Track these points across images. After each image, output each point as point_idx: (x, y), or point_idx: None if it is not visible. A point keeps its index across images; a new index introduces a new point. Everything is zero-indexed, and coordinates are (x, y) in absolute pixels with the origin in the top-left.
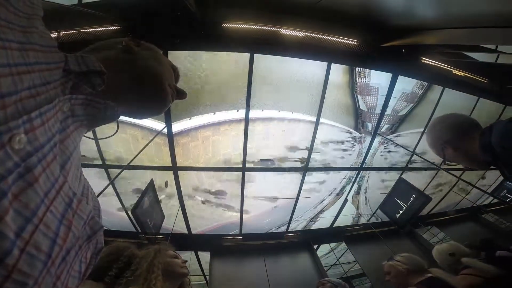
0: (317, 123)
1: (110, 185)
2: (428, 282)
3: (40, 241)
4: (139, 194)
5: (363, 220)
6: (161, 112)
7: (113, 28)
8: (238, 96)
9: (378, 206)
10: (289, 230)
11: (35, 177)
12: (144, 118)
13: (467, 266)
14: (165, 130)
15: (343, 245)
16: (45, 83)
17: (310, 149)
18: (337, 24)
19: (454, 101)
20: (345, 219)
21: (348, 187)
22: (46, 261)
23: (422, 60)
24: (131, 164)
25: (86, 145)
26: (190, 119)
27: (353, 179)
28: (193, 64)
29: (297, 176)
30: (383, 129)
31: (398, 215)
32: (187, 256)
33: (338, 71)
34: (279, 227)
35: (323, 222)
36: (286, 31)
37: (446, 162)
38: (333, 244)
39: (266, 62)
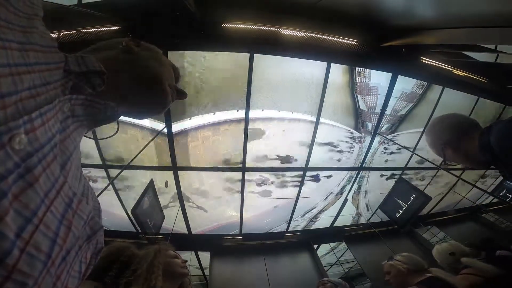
0: (317, 123)
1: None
2: (428, 281)
3: (40, 241)
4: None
5: (363, 220)
6: (161, 112)
7: (113, 28)
8: (238, 96)
9: (378, 205)
10: (289, 230)
11: (35, 177)
12: (144, 118)
13: (467, 265)
14: (165, 130)
15: (343, 244)
16: (45, 83)
17: (310, 149)
18: (337, 24)
19: (453, 101)
20: (345, 219)
21: (348, 187)
22: (46, 261)
23: (421, 60)
24: (131, 164)
25: (86, 145)
26: (190, 119)
27: (353, 178)
28: (192, 64)
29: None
30: (383, 129)
31: (398, 215)
32: (187, 256)
33: (338, 71)
34: (279, 227)
35: (323, 222)
36: (285, 31)
37: (446, 162)
38: (333, 244)
39: (266, 62)
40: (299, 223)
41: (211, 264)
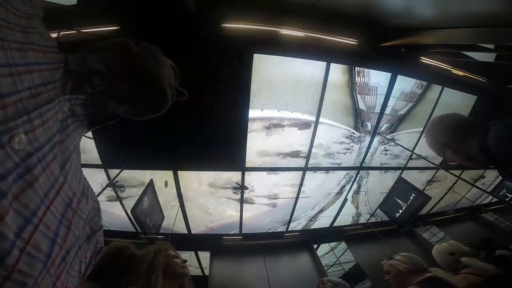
0: (316, 123)
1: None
2: (428, 281)
3: (40, 241)
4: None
5: (362, 220)
6: (161, 112)
7: (113, 28)
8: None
9: (378, 205)
10: (289, 229)
11: (35, 177)
12: (144, 118)
13: (467, 265)
14: None
15: (343, 244)
16: (45, 83)
17: (310, 149)
18: (336, 24)
19: (453, 101)
20: (345, 219)
21: (347, 186)
22: (46, 261)
23: (421, 60)
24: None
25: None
26: None
27: (353, 178)
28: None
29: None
30: (382, 129)
31: (397, 215)
32: (187, 256)
33: (337, 71)
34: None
35: (323, 221)
36: (285, 31)
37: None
38: (333, 244)
39: (265, 62)
40: (299, 223)
41: (211, 264)
